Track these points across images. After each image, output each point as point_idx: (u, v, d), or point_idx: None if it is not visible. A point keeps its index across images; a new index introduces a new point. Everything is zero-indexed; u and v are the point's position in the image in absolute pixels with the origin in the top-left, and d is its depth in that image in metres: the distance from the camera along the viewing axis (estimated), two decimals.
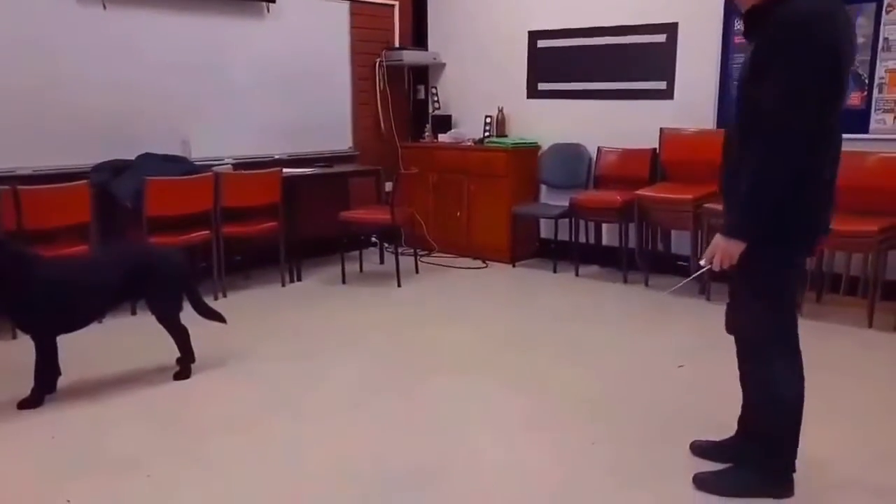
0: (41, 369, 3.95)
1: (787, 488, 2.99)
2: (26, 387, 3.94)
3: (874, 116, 5.56)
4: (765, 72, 2.64)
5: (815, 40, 2.56)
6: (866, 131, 5.55)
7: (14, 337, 4.92)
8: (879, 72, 5.51)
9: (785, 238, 2.77)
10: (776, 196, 2.65)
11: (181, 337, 4.33)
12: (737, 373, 3.12)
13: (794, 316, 2.98)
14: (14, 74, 5.35)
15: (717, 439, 3.33)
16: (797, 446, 2.96)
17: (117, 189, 5.45)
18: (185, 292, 4.41)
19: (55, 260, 4.32)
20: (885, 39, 5.45)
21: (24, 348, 4.10)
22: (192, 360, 4.36)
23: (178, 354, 4.35)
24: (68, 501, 3.03)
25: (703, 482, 3.09)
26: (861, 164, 5.33)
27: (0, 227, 4.82)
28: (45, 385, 3.98)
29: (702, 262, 2.89)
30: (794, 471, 2.99)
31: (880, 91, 5.53)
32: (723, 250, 2.78)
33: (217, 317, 4.50)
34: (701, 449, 3.37)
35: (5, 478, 3.23)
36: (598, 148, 6.93)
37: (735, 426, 3.27)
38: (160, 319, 4.27)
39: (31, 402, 3.90)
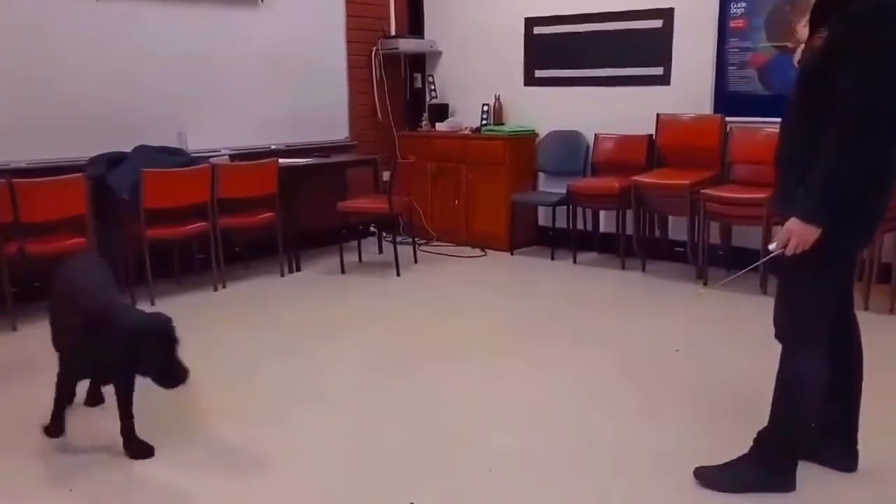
0: None
1: (790, 482, 2.97)
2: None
3: None
4: (845, 57, 2.59)
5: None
6: None
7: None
8: None
9: (854, 223, 2.74)
10: (857, 181, 2.63)
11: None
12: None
13: (845, 306, 3.01)
14: (8, 67, 5.35)
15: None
16: (807, 442, 3.00)
17: (114, 181, 5.45)
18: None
19: None
20: None
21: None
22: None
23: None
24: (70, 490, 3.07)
25: (703, 477, 3.06)
26: None
27: None
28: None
29: (771, 248, 2.79)
30: (797, 465, 2.98)
31: None
32: (799, 235, 2.67)
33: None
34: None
35: None
36: (596, 135, 6.93)
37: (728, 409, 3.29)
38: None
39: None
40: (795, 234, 2.68)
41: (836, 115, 2.59)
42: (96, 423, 3.67)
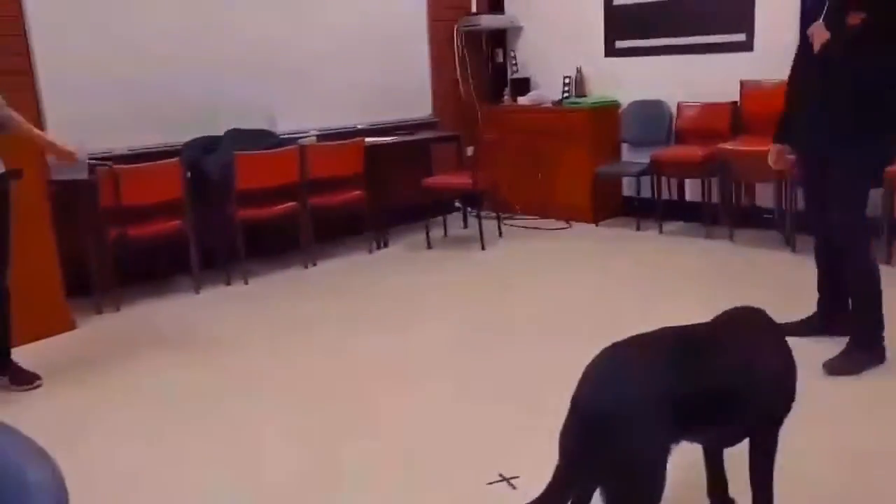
0: None
1: (882, 354, 3.74)
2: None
3: None
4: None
5: None
6: None
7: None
8: None
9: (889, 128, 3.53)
10: None
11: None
12: None
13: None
14: (108, 59, 5.56)
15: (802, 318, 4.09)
16: (882, 315, 3.71)
17: (208, 165, 5.65)
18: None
19: None
20: None
21: None
22: None
23: None
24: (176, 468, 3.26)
25: (833, 368, 3.67)
26: None
27: (99, 205, 5.09)
28: None
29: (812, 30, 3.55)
30: (882, 337, 3.74)
31: None
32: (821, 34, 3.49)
33: None
34: (787, 329, 3.75)
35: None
36: (678, 103, 6.88)
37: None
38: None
39: None
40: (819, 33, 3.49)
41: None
42: None
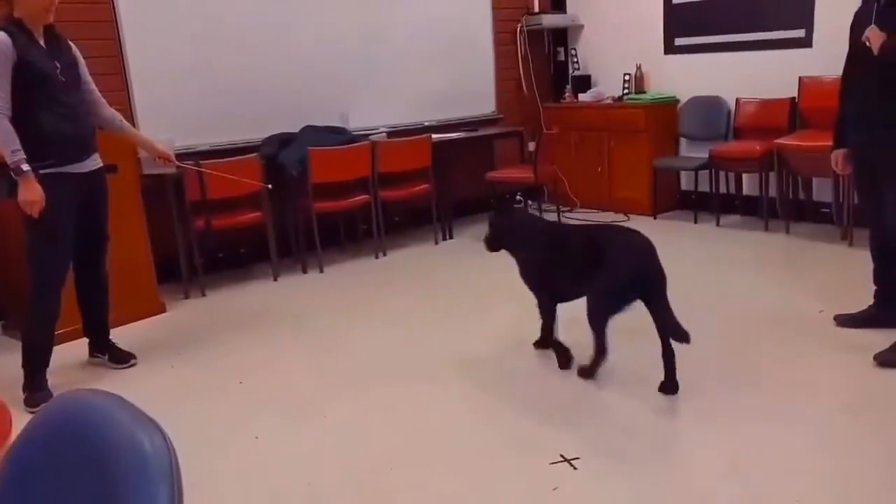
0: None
1: None
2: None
3: None
4: None
5: None
6: None
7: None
8: None
9: None
10: None
11: (600, 347, 3.56)
12: None
13: None
14: (192, 62, 5.71)
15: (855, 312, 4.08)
16: None
17: (285, 159, 5.72)
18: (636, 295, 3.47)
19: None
20: None
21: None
22: (594, 368, 3.68)
23: None
24: (257, 437, 3.34)
25: (884, 360, 3.60)
26: None
27: (187, 198, 5.23)
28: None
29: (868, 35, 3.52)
30: None
31: None
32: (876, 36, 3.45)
33: (683, 336, 3.41)
34: (843, 320, 4.11)
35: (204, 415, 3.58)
36: (737, 99, 6.77)
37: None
38: (588, 315, 3.56)
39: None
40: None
41: None
42: None
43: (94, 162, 3.87)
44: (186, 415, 3.55)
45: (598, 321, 3.50)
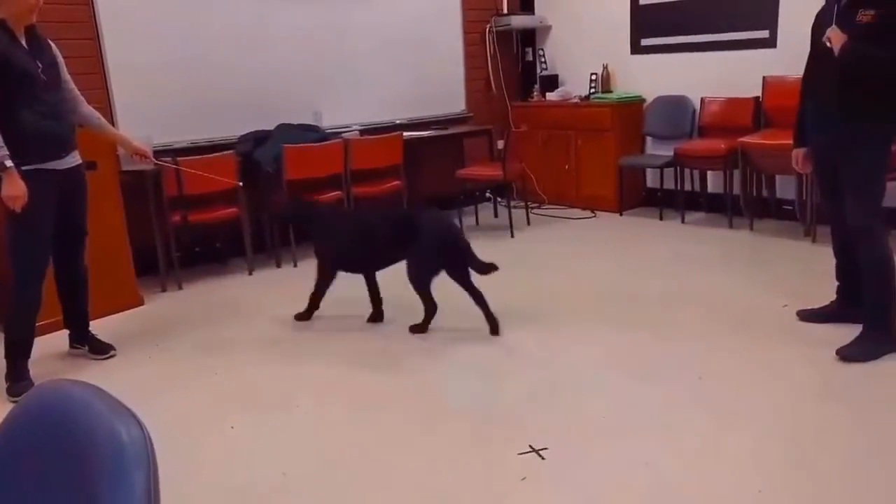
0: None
1: None
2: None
3: None
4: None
5: None
6: None
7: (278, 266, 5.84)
8: None
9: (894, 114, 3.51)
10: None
11: (428, 305, 4.28)
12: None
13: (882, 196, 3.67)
14: (170, 61, 5.69)
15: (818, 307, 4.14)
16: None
17: (260, 156, 5.71)
18: (454, 259, 4.23)
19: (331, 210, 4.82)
20: None
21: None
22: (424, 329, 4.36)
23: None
24: (232, 428, 3.32)
25: (846, 355, 3.64)
26: None
27: (164, 193, 5.23)
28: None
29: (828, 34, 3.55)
30: None
31: None
32: (838, 38, 3.46)
33: (492, 268, 4.23)
34: (806, 315, 4.16)
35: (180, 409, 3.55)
36: (702, 98, 6.82)
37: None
38: (411, 280, 4.23)
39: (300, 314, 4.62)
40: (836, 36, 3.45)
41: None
42: None
43: (74, 159, 3.88)
44: (163, 405, 3.54)
45: (421, 282, 4.20)
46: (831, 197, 3.86)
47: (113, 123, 5.23)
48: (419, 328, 4.34)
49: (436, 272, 4.21)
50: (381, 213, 4.71)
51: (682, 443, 3.00)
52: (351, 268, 4.51)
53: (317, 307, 4.59)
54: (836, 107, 3.62)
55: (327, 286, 4.51)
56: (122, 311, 4.96)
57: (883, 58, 3.39)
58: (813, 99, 3.83)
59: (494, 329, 4.23)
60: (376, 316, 4.59)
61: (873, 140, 3.57)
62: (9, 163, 3.48)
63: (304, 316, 4.61)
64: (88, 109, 4.06)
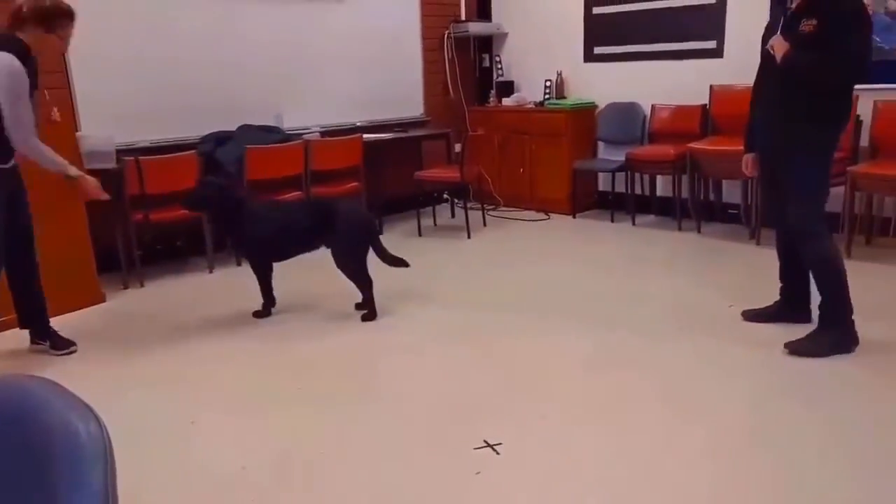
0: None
1: (855, 338, 3.68)
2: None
3: None
4: (833, 39, 3.36)
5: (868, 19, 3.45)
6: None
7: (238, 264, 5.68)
8: None
9: (833, 123, 3.58)
10: (831, 81, 3.49)
11: (361, 285, 4.47)
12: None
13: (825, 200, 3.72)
14: (132, 60, 5.59)
15: (762, 307, 4.16)
16: (849, 301, 3.64)
17: (222, 157, 5.64)
18: (368, 244, 4.50)
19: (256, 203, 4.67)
20: None
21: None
22: (373, 311, 4.51)
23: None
24: (192, 423, 3.27)
25: (794, 349, 3.69)
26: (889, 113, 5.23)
27: (126, 192, 5.15)
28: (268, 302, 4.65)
29: (771, 43, 3.62)
30: (852, 322, 3.67)
31: None
32: (781, 46, 3.52)
33: (401, 262, 4.57)
34: (750, 315, 4.18)
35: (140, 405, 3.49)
36: (652, 105, 6.88)
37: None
38: (339, 267, 4.42)
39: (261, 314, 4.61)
40: (780, 45, 3.52)
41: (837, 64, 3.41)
42: None
43: (13, 158, 3.82)
44: (125, 401, 3.49)
45: (351, 266, 4.39)
46: (775, 201, 3.90)
47: (76, 123, 5.22)
48: (368, 315, 4.47)
49: (363, 255, 4.43)
50: (302, 203, 4.90)
51: (636, 437, 3.00)
52: (277, 257, 4.57)
53: (273, 301, 4.62)
54: (779, 112, 3.68)
55: (269, 276, 4.57)
56: (84, 307, 4.87)
57: (816, 59, 3.43)
58: (760, 105, 3.88)
59: (369, 316, 4.49)
60: (267, 311, 4.63)
61: (811, 146, 3.60)
62: (73, 171, 3.80)
63: (263, 313, 4.58)
64: (55, 157, 3.90)
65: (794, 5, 3.57)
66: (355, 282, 4.43)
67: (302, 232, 4.43)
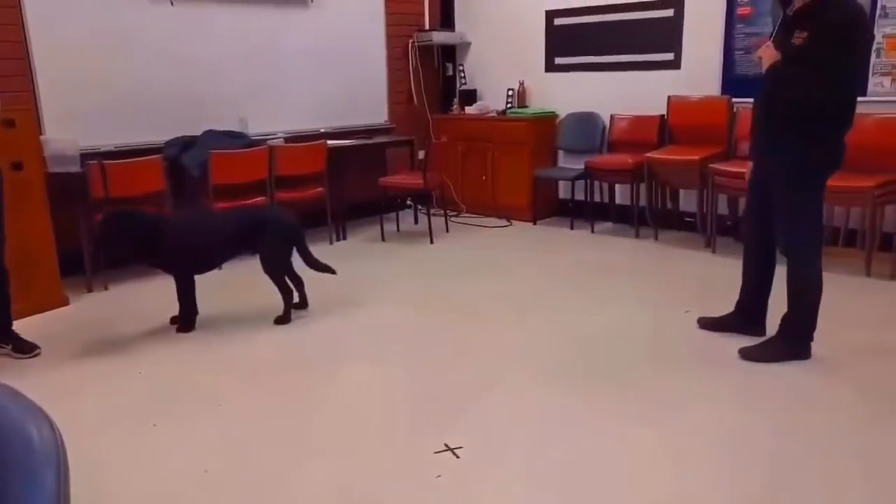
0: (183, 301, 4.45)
1: (808, 351, 3.72)
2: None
3: (872, 80, 5.44)
4: (826, 50, 3.26)
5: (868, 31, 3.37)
6: (865, 94, 5.34)
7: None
8: (878, 38, 5.37)
9: (828, 154, 3.45)
10: (825, 110, 3.35)
11: (284, 291, 4.49)
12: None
13: (821, 227, 3.71)
14: (98, 66, 5.53)
15: (717, 316, 4.15)
16: (816, 321, 3.67)
17: (186, 161, 5.60)
18: (294, 249, 4.55)
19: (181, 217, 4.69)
20: (883, 7, 5.34)
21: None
22: (287, 312, 4.52)
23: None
24: (154, 425, 3.22)
25: (747, 354, 3.75)
26: (860, 124, 5.25)
27: (90, 195, 5.08)
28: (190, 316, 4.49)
29: (758, 53, 3.54)
30: (812, 339, 3.70)
31: (878, 56, 5.41)
32: (769, 56, 3.43)
33: (327, 269, 4.65)
34: (705, 322, 4.19)
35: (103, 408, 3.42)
36: (611, 115, 6.94)
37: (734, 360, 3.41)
38: (266, 272, 4.44)
39: (184, 328, 4.44)
40: (768, 54, 3.44)
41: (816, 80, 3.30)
42: None
43: None
44: (86, 404, 3.45)
45: (276, 271, 4.44)
46: (756, 216, 3.81)
47: (40, 126, 5.16)
48: (282, 319, 4.49)
49: (287, 260, 4.53)
50: (228, 212, 4.88)
51: (593, 441, 3.01)
52: (203, 266, 4.53)
53: (196, 311, 4.50)
54: (765, 134, 3.62)
55: (193, 288, 4.44)
56: (47, 310, 4.79)
57: (797, 74, 3.34)
58: (755, 118, 3.76)
59: (297, 308, 4.65)
60: (190, 323, 4.48)
61: (795, 179, 3.50)
62: None
63: (185, 328, 4.43)
64: None
65: (792, 12, 3.46)
66: (278, 286, 4.46)
67: (227, 240, 4.43)
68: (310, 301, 4.79)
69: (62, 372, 3.87)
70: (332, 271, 4.67)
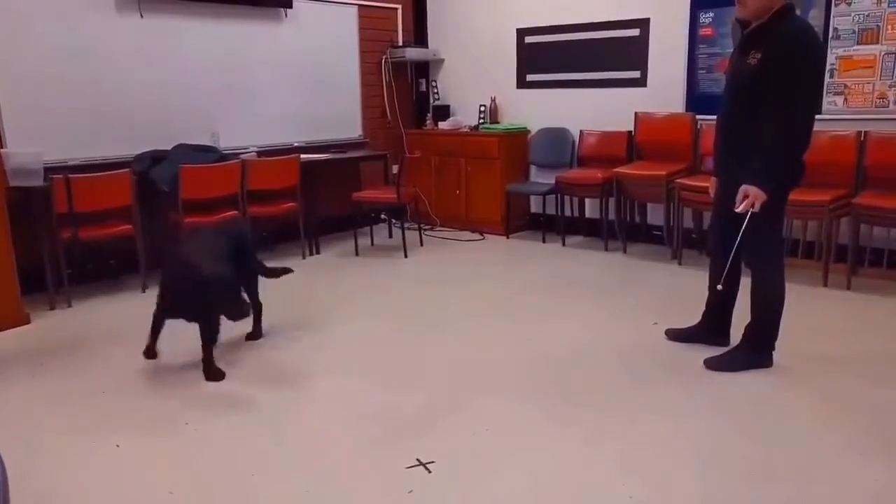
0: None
1: (770, 360, 3.77)
2: None
3: (826, 98, 5.52)
4: (779, 69, 3.29)
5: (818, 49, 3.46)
6: (820, 112, 5.31)
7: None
8: (830, 59, 5.48)
9: (788, 178, 3.50)
10: (789, 154, 3.42)
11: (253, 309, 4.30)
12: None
13: (782, 240, 3.84)
14: (65, 78, 5.39)
15: (684, 327, 4.19)
16: (778, 331, 3.72)
17: (156, 175, 5.47)
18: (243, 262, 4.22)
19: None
20: (835, 29, 5.44)
21: None
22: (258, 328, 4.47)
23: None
24: (118, 446, 3.14)
25: (712, 363, 3.78)
26: (815, 141, 5.32)
27: (53, 210, 4.93)
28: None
29: (739, 210, 3.45)
30: (774, 348, 3.76)
31: (831, 76, 5.50)
32: (756, 195, 3.39)
33: (286, 270, 4.63)
34: (672, 334, 4.22)
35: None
36: (581, 131, 6.96)
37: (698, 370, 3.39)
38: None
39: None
40: (753, 195, 3.39)
41: (769, 109, 3.33)
42: None
43: None
44: (47, 425, 3.33)
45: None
46: (721, 231, 3.80)
47: (2, 139, 5.02)
48: (253, 335, 4.43)
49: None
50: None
51: (563, 452, 2.98)
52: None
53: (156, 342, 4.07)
54: (726, 153, 3.67)
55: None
56: (7, 329, 4.62)
57: (766, 151, 3.37)
58: (718, 133, 3.76)
59: (254, 336, 4.44)
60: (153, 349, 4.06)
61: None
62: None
63: (150, 354, 4.06)
64: None
65: (748, 32, 3.49)
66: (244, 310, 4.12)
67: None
68: (282, 315, 4.72)
69: (20, 393, 3.72)
70: (290, 270, 4.66)
